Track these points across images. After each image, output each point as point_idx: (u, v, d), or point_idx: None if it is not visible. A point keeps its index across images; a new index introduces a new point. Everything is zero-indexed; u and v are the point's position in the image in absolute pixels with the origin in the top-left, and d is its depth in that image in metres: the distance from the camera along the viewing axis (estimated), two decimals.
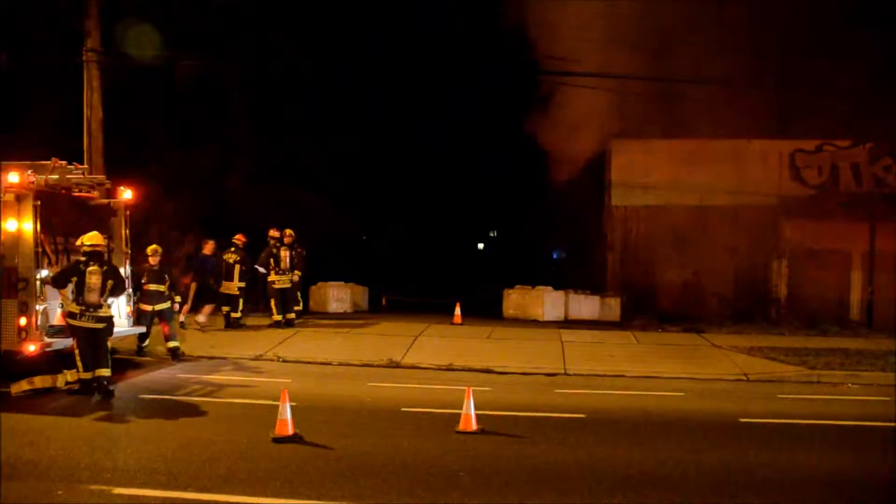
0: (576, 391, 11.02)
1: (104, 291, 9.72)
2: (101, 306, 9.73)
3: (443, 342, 14.57)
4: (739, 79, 17.92)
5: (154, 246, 12.65)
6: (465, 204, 39.77)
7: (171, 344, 12.53)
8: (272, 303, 15.75)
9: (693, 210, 19.31)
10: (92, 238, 9.93)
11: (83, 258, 9.84)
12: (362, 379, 11.48)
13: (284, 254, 15.80)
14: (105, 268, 9.86)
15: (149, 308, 12.48)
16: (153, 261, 12.50)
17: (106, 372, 9.75)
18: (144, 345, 12.93)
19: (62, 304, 10.02)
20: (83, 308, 9.63)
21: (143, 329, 12.51)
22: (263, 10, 21.81)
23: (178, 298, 12.97)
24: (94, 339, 9.70)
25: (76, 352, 9.67)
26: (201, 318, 15.27)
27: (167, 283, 12.60)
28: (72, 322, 9.69)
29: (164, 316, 12.56)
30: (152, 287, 12.48)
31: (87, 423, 8.45)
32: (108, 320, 9.90)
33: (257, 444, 7.58)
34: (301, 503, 6.09)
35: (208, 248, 15.40)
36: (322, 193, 24.56)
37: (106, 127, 15.74)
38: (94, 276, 9.62)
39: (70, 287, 9.73)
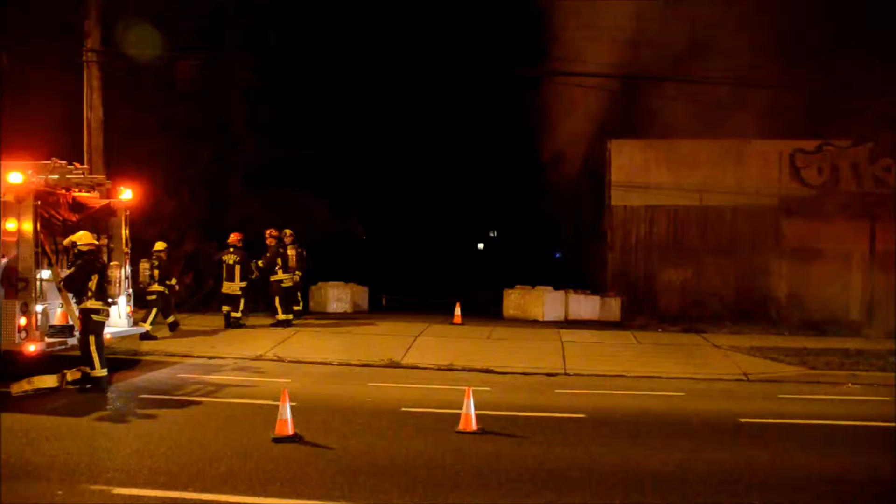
0: (576, 391, 11.01)
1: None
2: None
3: (443, 342, 14.56)
4: (741, 78, 17.87)
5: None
6: (465, 204, 39.72)
7: None
8: (277, 301, 15.75)
9: (693, 210, 19.32)
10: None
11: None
12: (362, 379, 11.47)
13: (292, 253, 15.85)
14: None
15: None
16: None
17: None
18: None
19: (61, 305, 10.03)
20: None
21: (145, 329, 12.15)
22: (262, 9, 21.78)
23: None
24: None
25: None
26: None
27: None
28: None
29: None
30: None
31: (87, 423, 8.44)
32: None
33: (257, 444, 7.57)
34: (301, 503, 6.09)
35: None
36: (322, 193, 24.52)
37: (106, 127, 15.73)
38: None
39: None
